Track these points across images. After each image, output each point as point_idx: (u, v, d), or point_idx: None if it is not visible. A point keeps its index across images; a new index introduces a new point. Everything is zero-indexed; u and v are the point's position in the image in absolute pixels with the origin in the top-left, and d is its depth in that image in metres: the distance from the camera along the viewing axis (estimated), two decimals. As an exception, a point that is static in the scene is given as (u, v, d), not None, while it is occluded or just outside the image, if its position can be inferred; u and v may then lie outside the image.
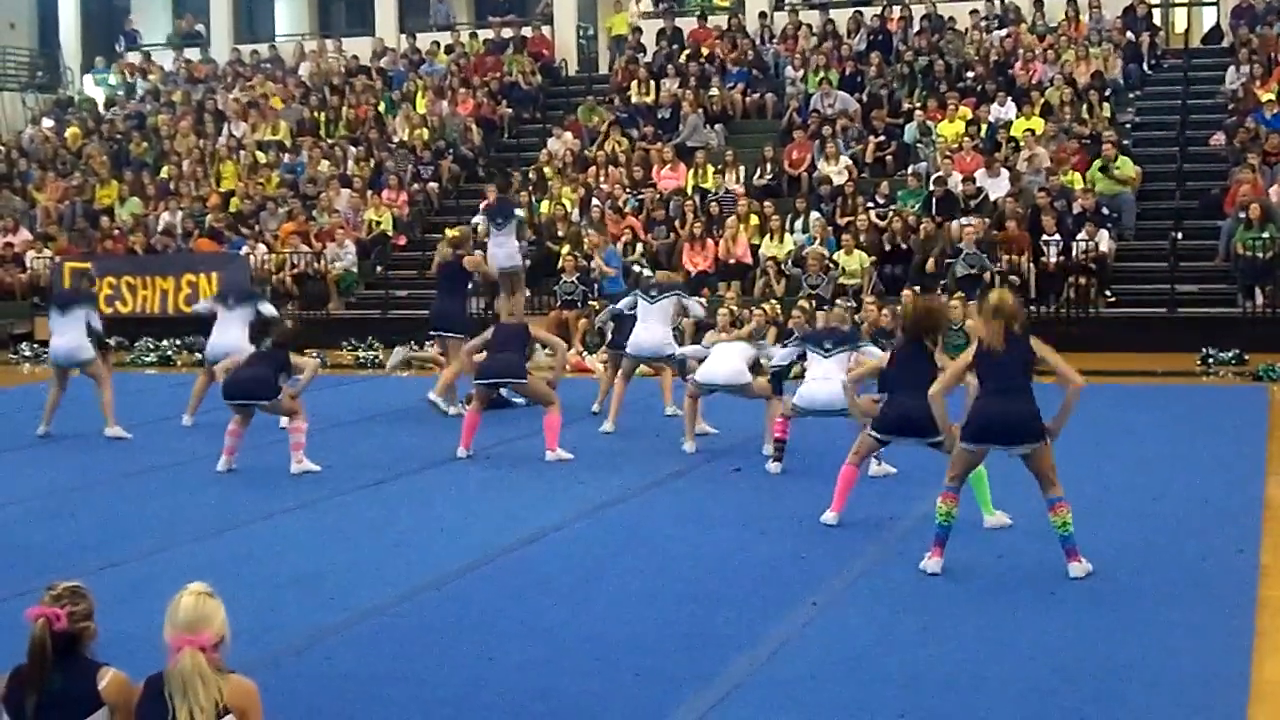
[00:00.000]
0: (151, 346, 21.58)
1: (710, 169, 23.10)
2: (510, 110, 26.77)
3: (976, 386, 8.45)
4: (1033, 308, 17.71)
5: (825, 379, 10.84)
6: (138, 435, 14.11)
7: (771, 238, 20.86)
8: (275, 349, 12.23)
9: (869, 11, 26.36)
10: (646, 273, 18.47)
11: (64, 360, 14.01)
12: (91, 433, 13.92)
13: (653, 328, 13.65)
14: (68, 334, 13.97)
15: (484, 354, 12.71)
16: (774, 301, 18.43)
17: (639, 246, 21.29)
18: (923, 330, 9.42)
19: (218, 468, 11.87)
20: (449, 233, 13.79)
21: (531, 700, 6.30)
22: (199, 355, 19.54)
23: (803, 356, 11.44)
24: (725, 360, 12.17)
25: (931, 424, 8.74)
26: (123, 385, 18.43)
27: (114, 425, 13.88)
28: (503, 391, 13.40)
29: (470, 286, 16.50)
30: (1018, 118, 22.53)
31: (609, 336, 15.05)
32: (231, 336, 13.76)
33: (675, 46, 27.11)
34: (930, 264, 19.27)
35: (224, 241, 23.84)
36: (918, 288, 17.91)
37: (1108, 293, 19.56)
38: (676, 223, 21.85)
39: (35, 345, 21.66)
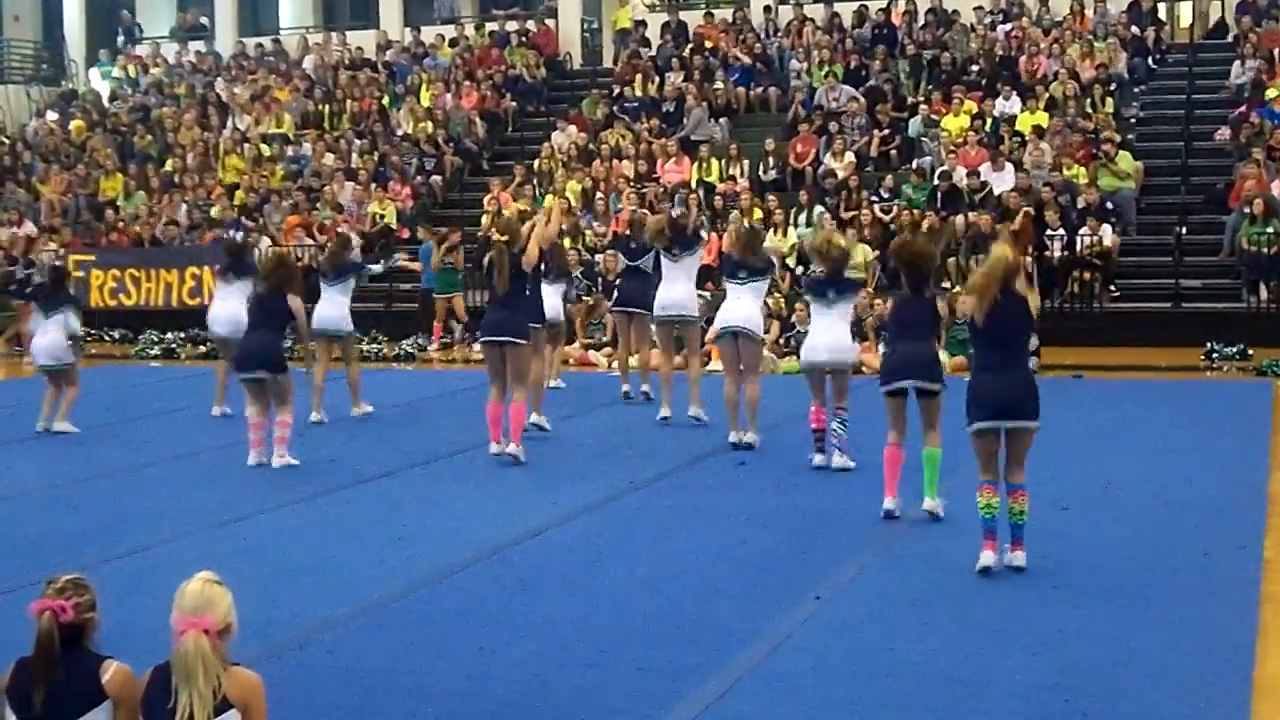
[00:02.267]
0: (155, 339, 21.64)
1: (715, 163, 23.09)
2: (514, 104, 26.75)
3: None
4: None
5: (827, 331, 10.77)
6: (140, 428, 14.11)
7: (775, 232, 20.84)
8: (269, 298, 12.05)
9: (874, 5, 26.32)
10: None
11: (48, 362, 13.88)
12: (92, 426, 13.94)
13: (677, 285, 13.15)
14: (50, 333, 13.91)
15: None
16: (779, 295, 18.44)
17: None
18: (913, 271, 9.26)
19: (248, 462, 11.70)
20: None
21: (533, 693, 6.30)
22: (203, 349, 19.68)
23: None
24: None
25: (931, 368, 8.90)
26: (126, 378, 18.55)
27: (64, 420, 13.80)
28: None
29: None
30: (1022, 112, 22.52)
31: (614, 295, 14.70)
32: (230, 307, 13.92)
33: (680, 40, 27.10)
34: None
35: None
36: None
37: (1112, 287, 19.54)
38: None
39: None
